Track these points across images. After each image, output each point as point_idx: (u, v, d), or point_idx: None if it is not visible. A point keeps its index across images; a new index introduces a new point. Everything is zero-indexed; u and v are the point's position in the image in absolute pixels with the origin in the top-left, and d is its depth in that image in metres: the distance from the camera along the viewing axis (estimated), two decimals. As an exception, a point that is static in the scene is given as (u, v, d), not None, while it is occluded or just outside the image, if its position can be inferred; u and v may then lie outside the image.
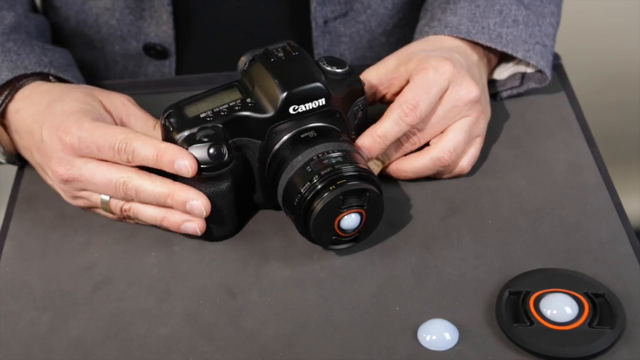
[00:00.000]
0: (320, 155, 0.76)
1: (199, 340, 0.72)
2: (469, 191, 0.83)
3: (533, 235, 0.79)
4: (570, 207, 0.81)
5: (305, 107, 0.77)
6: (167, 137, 0.78)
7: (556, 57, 0.96)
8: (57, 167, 0.79)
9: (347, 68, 0.80)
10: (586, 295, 0.72)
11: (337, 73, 0.80)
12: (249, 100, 0.78)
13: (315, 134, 0.77)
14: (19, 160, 0.87)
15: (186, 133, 0.76)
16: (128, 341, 0.73)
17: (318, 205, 0.74)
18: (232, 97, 0.78)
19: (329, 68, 0.80)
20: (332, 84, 0.79)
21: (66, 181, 0.79)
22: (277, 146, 0.78)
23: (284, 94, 0.77)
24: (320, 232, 0.76)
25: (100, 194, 0.79)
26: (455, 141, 0.82)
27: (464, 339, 0.71)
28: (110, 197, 0.79)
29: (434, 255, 0.78)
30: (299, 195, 0.75)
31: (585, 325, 0.70)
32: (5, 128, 0.85)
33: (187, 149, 0.75)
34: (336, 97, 0.78)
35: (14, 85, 0.84)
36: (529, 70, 0.89)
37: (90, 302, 0.76)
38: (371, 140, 0.80)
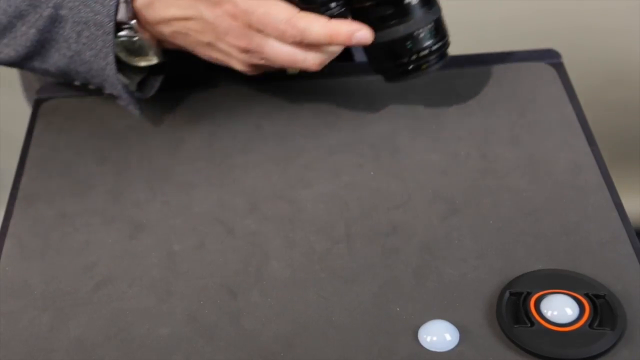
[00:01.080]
0: (420, 31, 0.82)
1: (200, 341, 0.72)
2: (469, 191, 0.83)
3: (533, 235, 0.79)
4: (570, 207, 0.81)
5: None
6: None
7: (557, 56, 0.96)
8: (236, 41, 0.80)
9: None
10: (587, 296, 0.72)
11: None
12: None
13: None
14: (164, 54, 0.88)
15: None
16: (128, 341, 0.73)
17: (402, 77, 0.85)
18: None
19: None
20: None
21: (247, 51, 0.81)
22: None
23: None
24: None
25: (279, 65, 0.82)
26: None
27: (464, 340, 0.71)
28: None
29: (434, 256, 0.78)
30: (395, 62, 0.84)
31: (585, 327, 0.70)
32: (140, 23, 0.84)
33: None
34: None
35: None
36: None
37: (91, 302, 0.76)
38: None
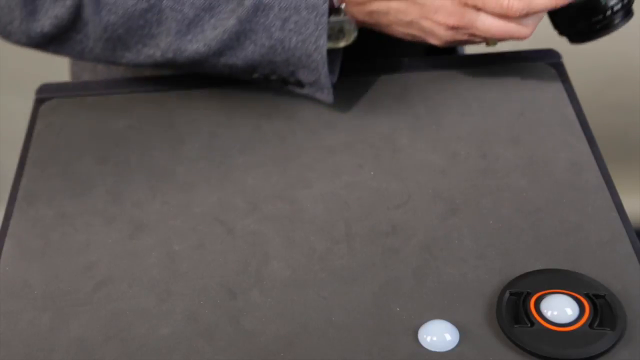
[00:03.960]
0: None
1: (200, 341, 0.72)
2: (469, 191, 0.83)
3: (533, 235, 0.79)
4: (570, 207, 0.81)
5: None
6: None
7: (557, 56, 0.96)
8: (445, 19, 0.82)
9: None
10: (587, 296, 0.72)
11: None
12: None
13: None
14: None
15: None
16: (128, 341, 0.73)
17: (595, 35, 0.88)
18: None
19: None
20: None
21: (456, 28, 0.82)
22: None
23: None
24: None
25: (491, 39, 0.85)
26: None
27: (464, 340, 0.71)
28: None
29: (434, 256, 0.78)
30: (590, 20, 0.86)
31: (585, 327, 0.70)
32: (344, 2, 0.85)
33: None
34: None
35: None
36: None
37: (91, 302, 0.76)
38: None
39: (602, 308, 0.71)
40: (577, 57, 0.91)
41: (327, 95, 0.87)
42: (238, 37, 0.83)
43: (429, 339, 0.71)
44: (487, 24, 0.82)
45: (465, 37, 0.84)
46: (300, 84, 0.87)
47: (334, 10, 0.83)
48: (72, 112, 0.95)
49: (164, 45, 0.84)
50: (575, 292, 0.72)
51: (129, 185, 0.86)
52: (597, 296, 0.72)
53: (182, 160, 0.88)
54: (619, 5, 0.86)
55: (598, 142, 0.87)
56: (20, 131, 0.95)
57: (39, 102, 0.96)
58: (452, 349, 0.71)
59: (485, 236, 0.79)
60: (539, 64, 0.96)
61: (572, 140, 0.88)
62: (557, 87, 0.93)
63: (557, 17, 0.88)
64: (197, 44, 0.84)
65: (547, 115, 0.90)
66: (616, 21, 0.86)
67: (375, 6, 0.83)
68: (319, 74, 0.84)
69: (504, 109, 0.91)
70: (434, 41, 0.86)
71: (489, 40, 0.87)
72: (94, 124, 0.92)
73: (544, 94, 0.92)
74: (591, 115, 0.90)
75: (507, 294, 0.73)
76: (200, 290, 0.76)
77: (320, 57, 0.83)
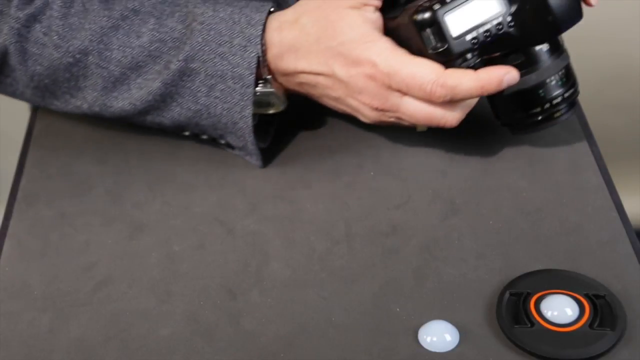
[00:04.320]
0: (551, 79, 0.80)
1: (200, 341, 0.72)
2: (469, 191, 0.83)
3: (533, 235, 0.79)
4: (570, 208, 0.81)
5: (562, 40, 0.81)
6: (421, 52, 0.78)
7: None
8: (369, 100, 0.80)
9: None
10: (587, 296, 0.72)
11: None
12: (510, 19, 0.77)
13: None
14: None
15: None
16: (128, 342, 0.73)
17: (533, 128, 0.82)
18: (494, 11, 0.77)
19: None
20: None
21: (381, 110, 0.80)
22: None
23: (558, 34, 0.79)
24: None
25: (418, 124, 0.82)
26: None
27: (464, 340, 0.71)
28: None
29: (434, 256, 0.78)
30: (527, 112, 0.81)
31: (585, 327, 0.70)
32: (271, 73, 0.83)
33: None
34: None
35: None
36: None
37: (91, 303, 0.76)
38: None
39: (602, 308, 0.71)
40: (577, 57, 0.90)
41: (256, 161, 0.86)
42: (164, 99, 0.83)
43: (429, 339, 0.71)
44: (412, 109, 0.79)
45: (392, 120, 0.82)
46: (230, 146, 0.87)
47: (262, 78, 0.83)
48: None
49: (90, 99, 0.85)
50: (575, 293, 0.72)
51: (129, 186, 0.86)
52: (597, 296, 0.72)
53: (182, 161, 0.88)
54: (560, 99, 0.80)
55: (598, 142, 0.87)
56: (20, 131, 0.95)
57: (39, 102, 0.96)
58: (452, 350, 0.71)
59: (485, 236, 0.79)
60: (539, 64, 0.96)
61: (572, 140, 0.88)
62: (557, 87, 0.93)
63: (495, 106, 0.83)
64: (122, 102, 0.84)
65: (547, 115, 0.90)
66: (557, 115, 0.81)
67: (303, 78, 0.82)
68: (246, 141, 0.84)
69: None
70: (363, 119, 0.84)
71: (417, 125, 0.84)
72: (94, 124, 0.92)
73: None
74: (591, 115, 0.91)
75: (507, 294, 0.73)
76: (200, 290, 0.76)
77: (246, 126, 0.82)
